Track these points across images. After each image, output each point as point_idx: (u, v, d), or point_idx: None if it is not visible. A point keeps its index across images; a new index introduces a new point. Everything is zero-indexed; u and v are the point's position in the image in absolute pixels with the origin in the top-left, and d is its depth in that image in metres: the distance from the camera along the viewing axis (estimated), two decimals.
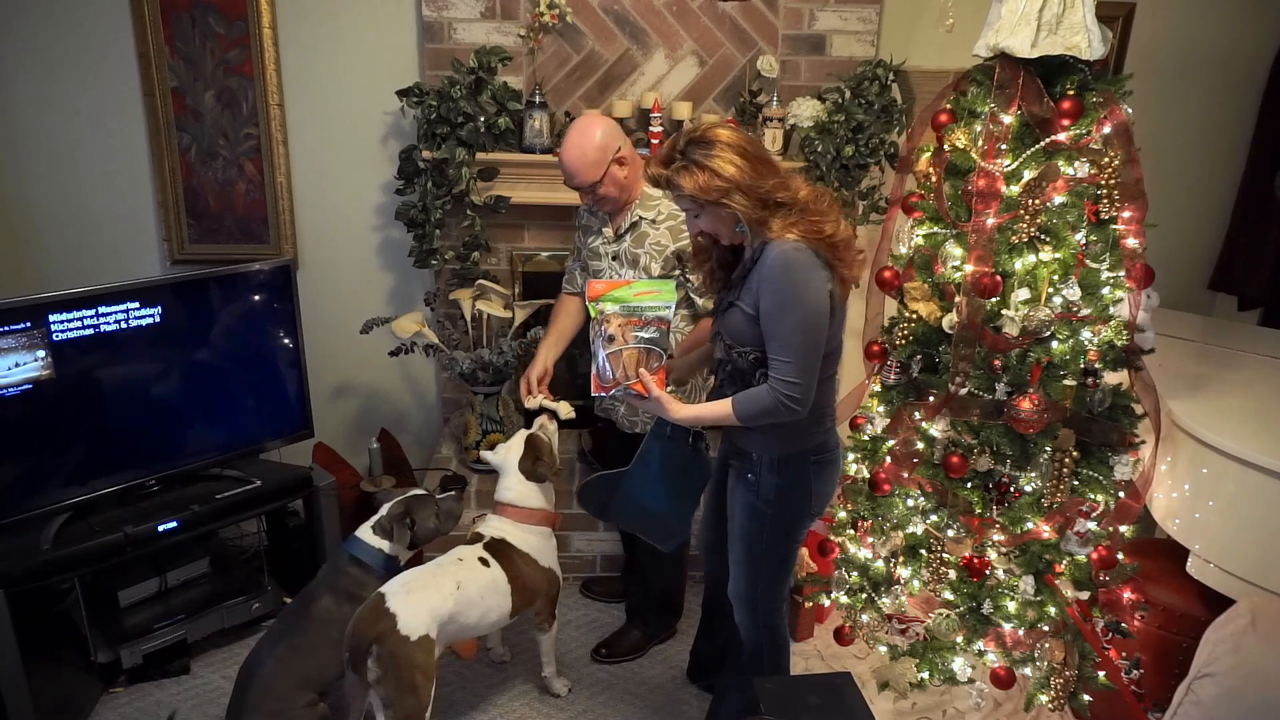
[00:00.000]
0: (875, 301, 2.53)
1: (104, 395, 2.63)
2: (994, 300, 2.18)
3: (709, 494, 2.38)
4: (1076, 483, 2.23)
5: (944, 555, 2.34)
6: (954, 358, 2.21)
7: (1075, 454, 2.19)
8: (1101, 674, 2.28)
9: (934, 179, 2.30)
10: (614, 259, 2.57)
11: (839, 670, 2.46)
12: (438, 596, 2.23)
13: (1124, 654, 2.33)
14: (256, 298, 2.90)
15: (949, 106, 2.32)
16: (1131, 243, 2.12)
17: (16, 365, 2.43)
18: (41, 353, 2.47)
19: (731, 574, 2.22)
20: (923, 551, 2.41)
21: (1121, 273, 2.14)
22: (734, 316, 1.99)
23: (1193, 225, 3.56)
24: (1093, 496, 2.21)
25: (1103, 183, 2.09)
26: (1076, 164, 2.13)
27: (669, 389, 2.09)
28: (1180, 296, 3.55)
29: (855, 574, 2.55)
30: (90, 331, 2.55)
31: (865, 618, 2.54)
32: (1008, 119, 2.15)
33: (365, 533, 2.44)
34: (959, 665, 2.42)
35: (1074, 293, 2.14)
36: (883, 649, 2.54)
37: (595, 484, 2.32)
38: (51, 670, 2.58)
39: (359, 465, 3.40)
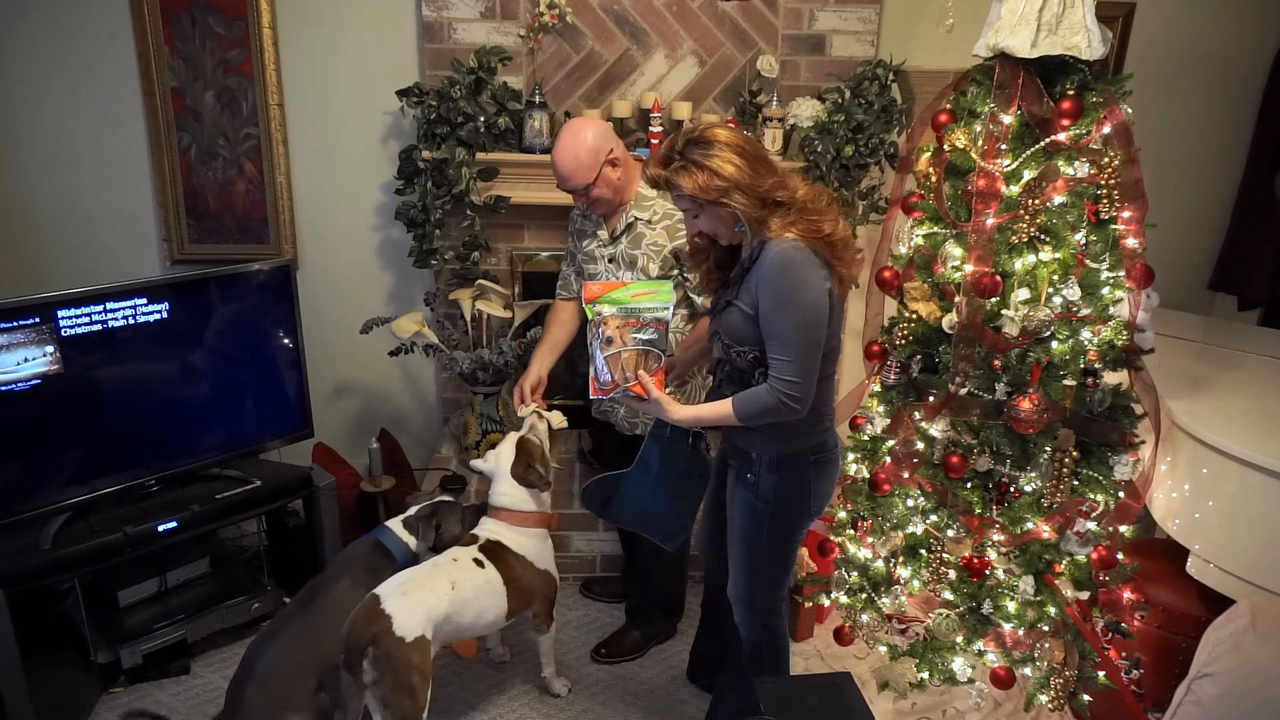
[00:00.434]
0: (875, 301, 2.53)
1: (105, 395, 2.63)
2: (994, 300, 2.18)
3: (708, 494, 2.38)
4: (1076, 483, 2.23)
5: (944, 555, 2.34)
6: (954, 358, 2.21)
7: (1075, 454, 2.19)
8: (1101, 674, 2.28)
9: (934, 179, 2.30)
10: (610, 261, 2.56)
11: (839, 670, 2.45)
12: (433, 597, 2.23)
13: (1124, 654, 2.33)
14: (256, 298, 2.90)
15: (949, 106, 2.32)
16: (1131, 243, 2.12)
17: (25, 360, 2.44)
18: (50, 348, 2.48)
19: (731, 574, 2.22)
20: (923, 551, 2.41)
21: (1121, 273, 2.14)
22: (732, 316, 1.99)
23: (1193, 225, 3.56)
24: (1093, 496, 2.21)
25: (1103, 183, 2.09)
26: (1076, 164, 2.13)
27: (668, 390, 2.08)
28: (1180, 296, 3.55)
29: (855, 574, 2.54)
30: (98, 327, 2.56)
31: (865, 618, 2.54)
32: (1008, 119, 2.15)
33: (396, 525, 2.51)
34: (959, 665, 2.42)
35: (1074, 293, 2.14)
36: (883, 649, 2.54)
37: (596, 485, 2.33)
38: (51, 670, 2.58)
39: (359, 465, 3.40)
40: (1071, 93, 2.12)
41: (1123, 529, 2.29)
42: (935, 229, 2.35)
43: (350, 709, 2.18)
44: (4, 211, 3.29)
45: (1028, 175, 2.15)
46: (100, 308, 2.55)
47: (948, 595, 2.38)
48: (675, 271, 2.48)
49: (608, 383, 2.03)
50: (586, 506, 2.36)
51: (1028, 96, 2.13)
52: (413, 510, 2.56)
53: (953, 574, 2.35)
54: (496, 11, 3.09)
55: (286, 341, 2.97)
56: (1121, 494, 2.23)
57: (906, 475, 2.35)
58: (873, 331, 2.53)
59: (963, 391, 2.23)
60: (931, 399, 2.32)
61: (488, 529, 2.50)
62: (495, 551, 2.43)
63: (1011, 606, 2.29)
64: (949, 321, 2.26)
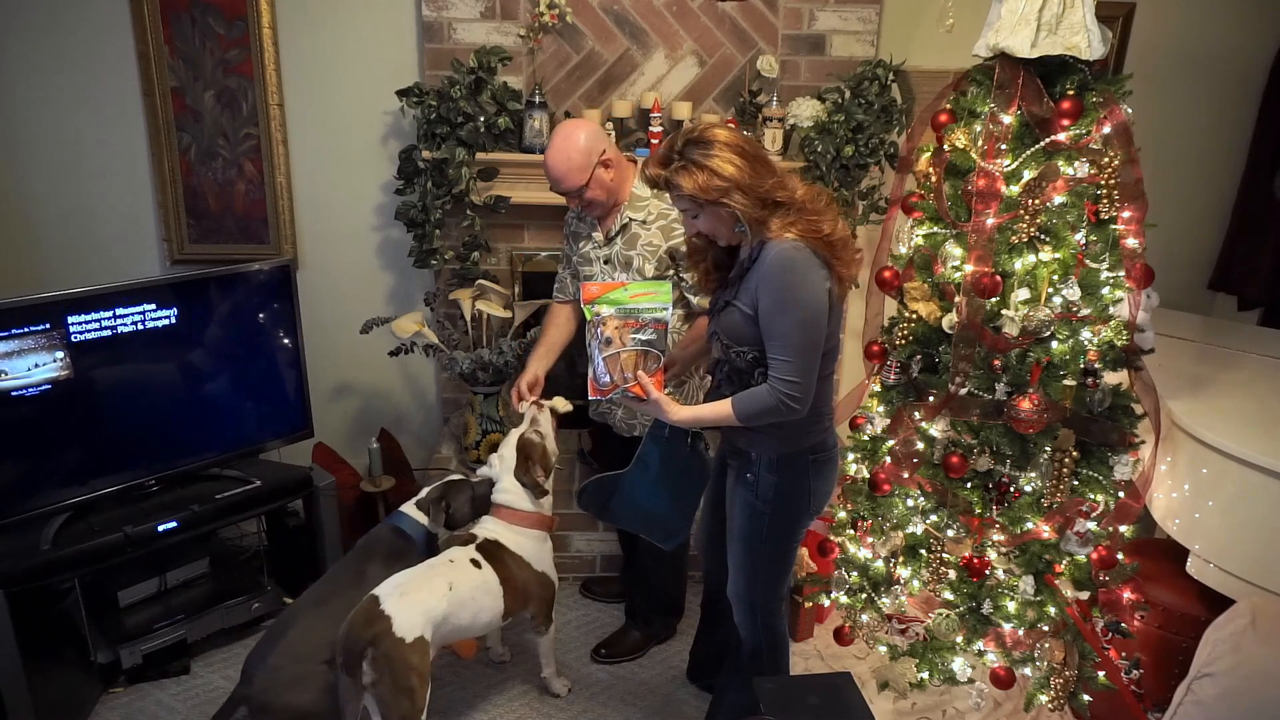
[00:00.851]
0: (875, 301, 2.53)
1: (107, 397, 2.63)
2: (994, 300, 2.18)
3: (708, 494, 2.38)
4: (1076, 483, 2.23)
5: (944, 555, 2.34)
6: (954, 358, 2.21)
7: (1075, 454, 2.19)
8: (1101, 674, 2.28)
9: (934, 179, 2.30)
10: (606, 263, 2.56)
11: (839, 670, 2.45)
12: (431, 598, 2.23)
13: (1124, 654, 2.33)
14: (256, 298, 2.90)
15: (949, 106, 2.32)
16: (1131, 243, 2.12)
17: (36, 365, 2.46)
18: (60, 354, 2.50)
19: (730, 574, 2.22)
20: (923, 551, 2.41)
21: (1121, 273, 2.14)
22: (731, 316, 1.99)
23: (1193, 225, 3.56)
24: (1093, 496, 2.21)
25: (1103, 183, 2.09)
26: (1076, 164, 2.13)
27: (667, 390, 2.08)
28: (1180, 296, 3.55)
29: (855, 574, 2.54)
30: (108, 333, 2.58)
31: (865, 618, 2.54)
32: (1008, 119, 2.15)
33: (411, 508, 2.55)
34: (959, 665, 2.42)
35: (1074, 293, 2.14)
36: (883, 649, 2.54)
37: (594, 486, 2.33)
38: (51, 670, 2.58)
39: (359, 465, 3.40)
40: (1071, 93, 2.12)
41: (1123, 529, 2.29)
42: (935, 229, 2.35)
43: (349, 710, 2.17)
44: (4, 211, 3.29)
45: (1028, 175, 2.15)
46: (110, 313, 2.57)
47: (948, 595, 2.38)
48: (671, 272, 2.48)
49: (607, 384, 2.03)
50: (584, 508, 2.36)
51: (1028, 96, 2.13)
52: (424, 492, 2.59)
53: (953, 574, 2.35)
54: (496, 11, 3.09)
55: (286, 341, 2.97)
56: (1121, 494, 2.23)
57: (906, 475, 2.35)
58: (873, 331, 2.53)
59: (963, 391, 2.23)
60: (931, 399, 2.31)
61: (487, 528, 2.50)
62: (492, 551, 2.43)
63: (1011, 606, 2.29)
64: (949, 321, 2.26)
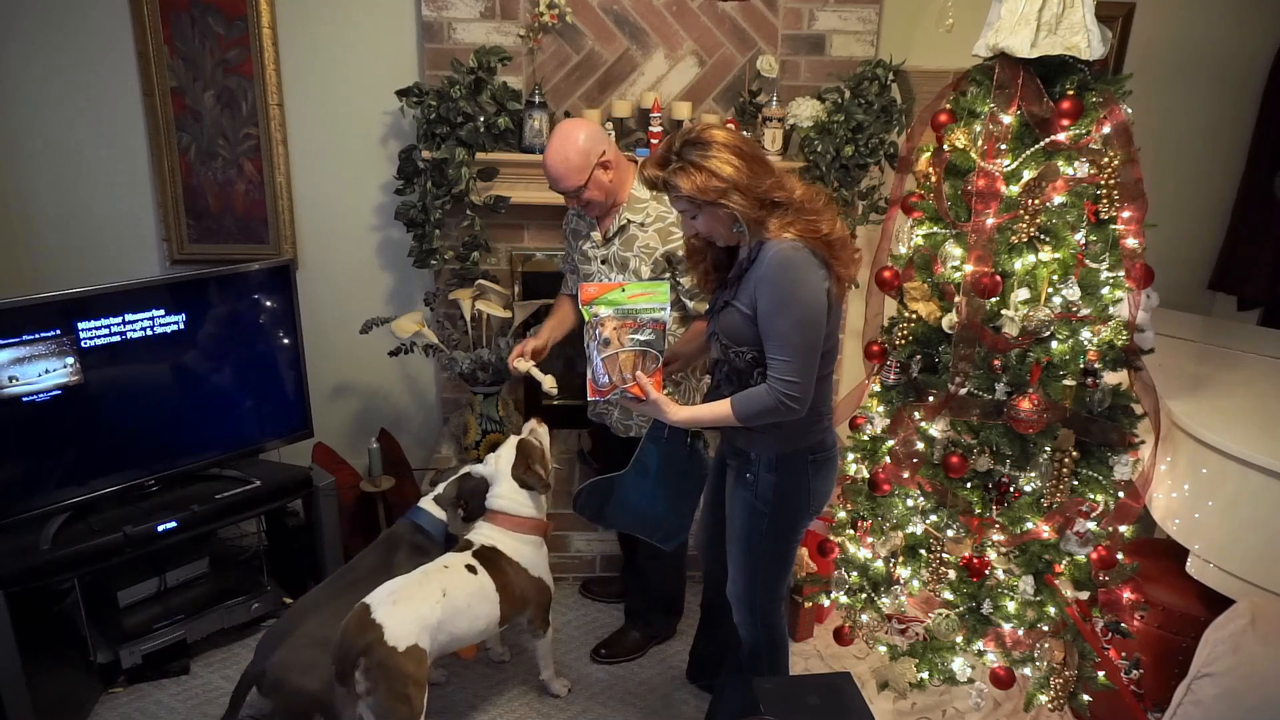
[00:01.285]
0: (875, 301, 2.53)
1: (109, 398, 2.63)
2: (994, 300, 2.18)
3: (707, 494, 2.38)
4: (1076, 483, 2.23)
5: (944, 555, 2.34)
6: (954, 358, 2.21)
7: (1075, 454, 2.19)
8: (1101, 674, 2.28)
9: (934, 179, 2.30)
10: (603, 263, 2.56)
11: (839, 670, 2.46)
12: (424, 605, 2.20)
13: (1124, 654, 2.33)
14: (256, 298, 2.90)
15: (949, 106, 2.32)
16: (1131, 243, 2.12)
17: (47, 371, 2.48)
18: (70, 359, 2.51)
19: (730, 574, 2.22)
20: (922, 551, 2.41)
21: (1121, 273, 2.14)
22: (731, 316, 1.99)
23: (1193, 225, 3.56)
24: (1092, 496, 2.21)
25: (1102, 183, 2.09)
26: (1076, 164, 2.13)
27: (665, 390, 2.08)
28: (1180, 296, 3.54)
29: (855, 574, 2.54)
30: (117, 338, 2.60)
31: (865, 618, 2.54)
32: (1007, 119, 2.15)
33: (429, 504, 2.60)
34: (959, 665, 2.42)
35: (1074, 293, 2.14)
36: (882, 649, 2.54)
37: (590, 490, 2.32)
38: (51, 670, 2.58)
39: (359, 465, 3.40)
40: (1071, 93, 2.12)
41: (1123, 529, 2.29)
42: (935, 229, 2.35)
43: (345, 718, 2.16)
44: (4, 211, 3.29)
45: (1028, 175, 2.15)
46: (119, 319, 2.59)
47: (948, 595, 2.38)
48: (667, 275, 2.48)
49: (605, 385, 2.02)
50: (580, 512, 2.34)
51: (1028, 96, 2.13)
52: (441, 488, 2.60)
53: (953, 574, 2.35)
54: (496, 11, 3.09)
55: (286, 341, 2.97)
56: (1121, 494, 2.23)
57: (906, 475, 2.35)
58: (873, 331, 2.53)
59: (963, 391, 2.23)
60: (931, 399, 2.31)
61: (483, 534, 2.48)
62: (489, 557, 2.41)
63: (1011, 606, 2.29)
64: (949, 321, 2.26)
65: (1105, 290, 2.15)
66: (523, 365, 2.55)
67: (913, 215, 2.41)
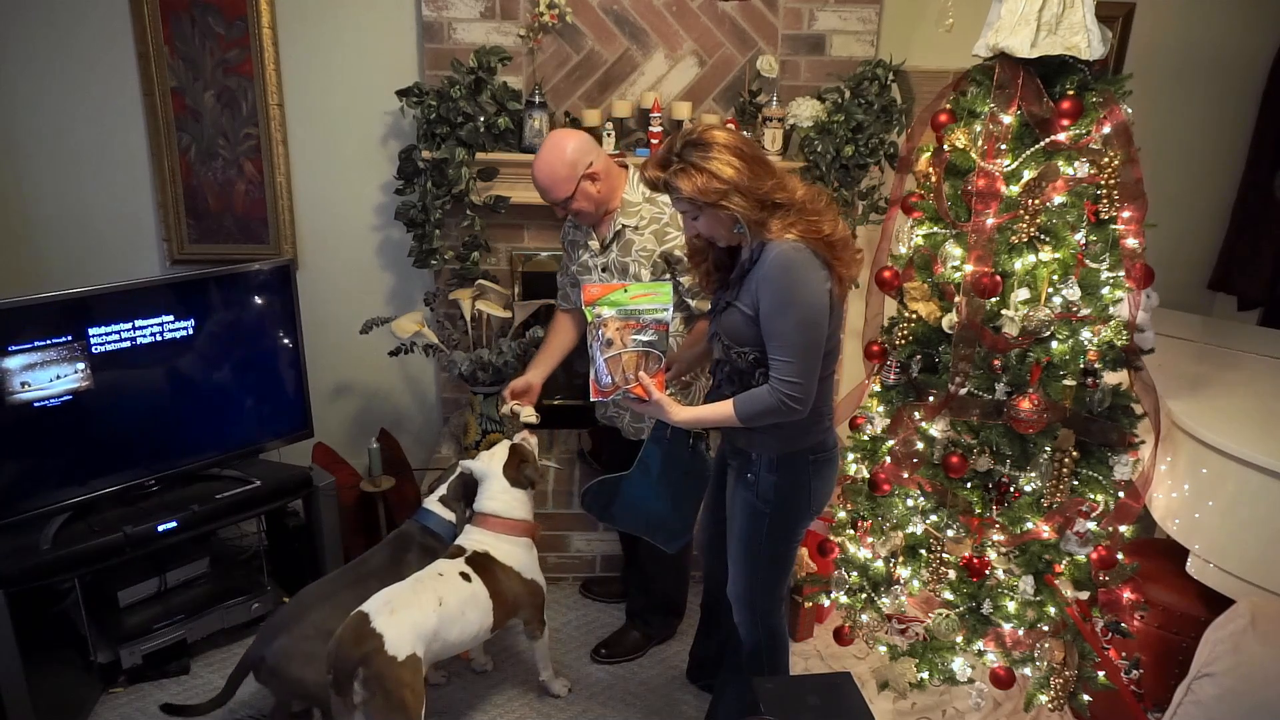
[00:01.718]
0: (875, 301, 2.53)
1: (114, 401, 2.63)
2: (994, 300, 2.18)
3: (708, 494, 2.38)
4: (1076, 483, 2.23)
5: (944, 555, 2.34)
6: (954, 358, 2.21)
7: (1075, 454, 2.19)
8: (1101, 674, 2.28)
9: (934, 179, 2.30)
10: (604, 270, 2.57)
11: (839, 670, 2.45)
12: (421, 614, 2.19)
13: (1124, 654, 2.33)
14: (256, 298, 2.90)
15: (949, 106, 2.32)
16: (1131, 243, 2.12)
17: (59, 377, 2.49)
18: (81, 365, 2.53)
19: (730, 574, 2.22)
20: (923, 551, 2.41)
21: (1121, 273, 2.14)
22: (732, 317, 1.99)
23: (1193, 225, 3.56)
24: (1092, 496, 2.21)
25: (1102, 183, 2.09)
26: (1076, 164, 2.13)
27: (669, 391, 2.08)
28: (1180, 296, 3.55)
29: (855, 574, 2.54)
30: (127, 344, 2.62)
31: (865, 618, 2.54)
32: (1007, 119, 2.15)
33: (434, 505, 2.59)
34: (959, 665, 2.42)
35: (1074, 293, 2.14)
36: (882, 649, 2.54)
37: (597, 488, 2.32)
38: (51, 670, 2.58)
39: (359, 465, 3.39)
40: (1071, 93, 2.12)
41: (1123, 529, 2.29)
42: (935, 229, 2.35)
43: None
44: (4, 211, 3.29)
45: (1028, 175, 2.15)
46: (129, 324, 2.61)
47: (948, 595, 2.38)
48: (668, 276, 2.48)
49: (608, 385, 2.03)
50: (587, 510, 2.36)
51: (1028, 96, 2.13)
52: (443, 488, 2.60)
53: (953, 574, 2.35)
54: (496, 11, 3.09)
55: (286, 341, 2.97)
56: (1121, 494, 2.23)
57: (906, 475, 2.35)
58: (873, 331, 2.53)
59: (963, 391, 2.23)
60: (931, 399, 2.31)
61: (474, 539, 2.46)
62: (482, 564, 2.40)
63: (1011, 606, 2.29)
64: (949, 321, 2.26)
65: (1105, 290, 2.15)
66: (505, 409, 2.63)
67: (913, 215, 2.41)
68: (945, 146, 2.28)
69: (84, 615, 2.61)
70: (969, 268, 2.17)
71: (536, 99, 3.05)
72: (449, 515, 2.57)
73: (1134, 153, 2.10)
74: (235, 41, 3.17)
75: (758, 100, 3.15)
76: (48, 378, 2.48)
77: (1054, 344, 2.16)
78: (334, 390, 3.60)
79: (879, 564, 2.47)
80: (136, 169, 3.30)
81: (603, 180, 2.43)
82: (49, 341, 2.47)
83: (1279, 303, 3.51)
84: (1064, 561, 2.27)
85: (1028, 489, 2.25)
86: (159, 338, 2.69)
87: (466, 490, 2.57)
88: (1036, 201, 2.11)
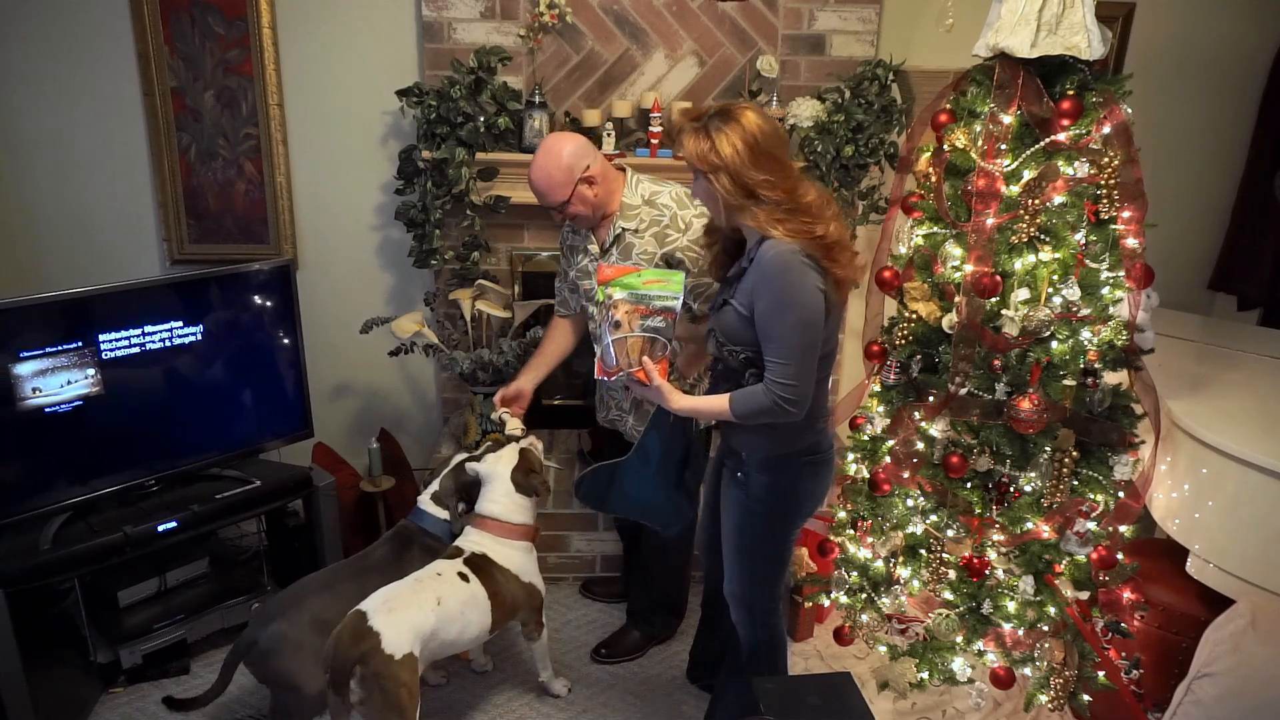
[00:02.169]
0: (875, 301, 2.53)
1: (118, 404, 2.63)
2: (994, 300, 2.18)
3: (707, 494, 2.38)
4: (1076, 483, 2.23)
5: (944, 555, 2.34)
6: (954, 358, 2.21)
7: (1075, 454, 2.19)
8: (1101, 674, 2.28)
9: (934, 179, 2.30)
10: None
11: (839, 670, 2.45)
12: (419, 614, 2.19)
13: (1124, 654, 2.33)
14: (256, 298, 2.90)
15: (949, 106, 2.32)
16: (1131, 243, 2.12)
17: (70, 383, 2.51)
18: (92, 370, 2.54)
19: (726, 573, 2.22)
20: (922, 551, 2.41)
21: (1121, 273, 2.14)
22: (728, 315, 1.99)
23: (1193, 225, 3.56)
24: (1092, 496, 2.21)
25: (1103, 183, 2.09)
26: (1076, 164, 2.13)
27: (671, 379, 2.09)
28: (1180, 296, 3.55)
29: (855, 574, 2.54)
30: (136, 350, 2.64)
31: (865, 618, 2.54)
32: (1007, 119, 2.15)
33: (428, 504, 2.58)
34: (959, 665, 2.42)
35: (1074, 293, 2.14)
36: (882, 649, 2.54)
37: (592, 476, 2.32)
38: (51, 670, 2.58)
39: (359, 465, 3.40)
40: (1071, 93, 2.12)
41: (1123, 529, 2.29)
42: (935, 229, 2.35)
43: None
44: (4, 211, 3.29)
45: (1028, 175, 2.15)
46: (139, 330, 2.63)
47: (948, 595, 2.38)
48: None
49: (613, 366, 2.05)
50: (582, 499, 2.35)
51: (1028, 96, 2.13)
52: (436, 484, 2.59)
53: (953, 574, 2.35)
54: (496, 11, 3.09)
55: (286, 341, 2.97)
56: (1121, 494, 2.23)
57: (906, 475, 2.35)
58: (873, 331, 2.53)
59: (963, 391, 2.23)
60: (931, 399, 2.31)
61: (473, 540, 2.46)
62: (481, 565, 2.40)
63: (1011, 606, 2.29)
64: (949, 321, 2.26)
65: (1105, 290, 2.15)
66: (494, 415, 2.63)
67: (913, 215, 2.41)
68: (945, 146, 2.28)
69: (84, 615, 2.61)
70: (969, 268, 2.17)
71: (536, 99, 3.05)
72: (442, 514, 2.56)
73: (1134, 153, 2.10)
74: (235, 41, 3.17)
75: (758, 100, 3.15)
76: (58, 384, 2.49)
77: (1054, 344, 2.16)
78: (334, 390, 3.60)
79: (879, 564, 2.47)
80: (136, 169, 3.30)
81: (600, 184, 2.41)
82: (60, 348, 2.48)
83: (1279, 303, 3.51)
84: (1064, 561, 2.27)
85: (1028, 489, 2.25)
86: (168, 343, 2.71)
87: (467, 490, 2.56)
88: (1036, 201, 2.11)
